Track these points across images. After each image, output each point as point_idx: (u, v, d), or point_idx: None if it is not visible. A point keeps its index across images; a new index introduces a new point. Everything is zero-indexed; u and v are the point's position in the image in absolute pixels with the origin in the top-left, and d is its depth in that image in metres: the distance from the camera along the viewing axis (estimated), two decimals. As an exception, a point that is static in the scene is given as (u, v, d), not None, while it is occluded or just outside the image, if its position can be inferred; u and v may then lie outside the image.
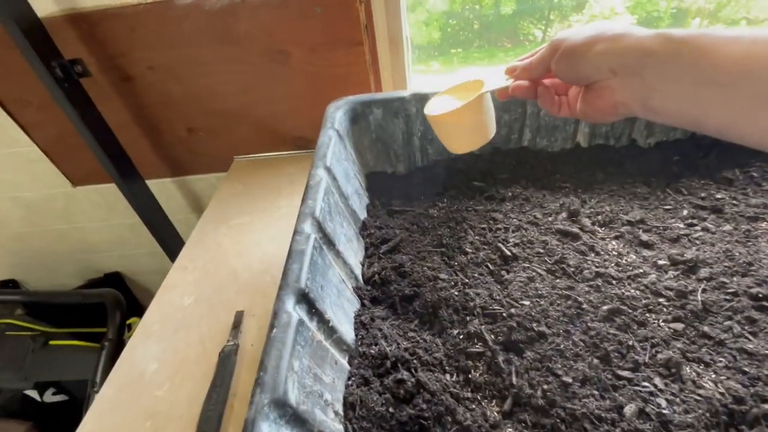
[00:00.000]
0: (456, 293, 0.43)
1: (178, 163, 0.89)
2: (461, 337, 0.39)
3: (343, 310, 0.41)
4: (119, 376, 0.49)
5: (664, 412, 0.31)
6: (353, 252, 0.48)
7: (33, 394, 0.97)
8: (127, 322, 0.92)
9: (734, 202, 0.50)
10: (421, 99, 0.57)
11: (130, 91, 0.76)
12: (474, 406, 0.35)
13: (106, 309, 0.89)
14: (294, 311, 0.31)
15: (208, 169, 0.90)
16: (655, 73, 0.28)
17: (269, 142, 0.84)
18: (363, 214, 0.55)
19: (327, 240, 0.41)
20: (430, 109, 0.46)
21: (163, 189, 0.93)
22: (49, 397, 1.00)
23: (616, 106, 0.31)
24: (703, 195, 0.52)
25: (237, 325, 0.51)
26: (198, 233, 0.69)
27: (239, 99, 0.78)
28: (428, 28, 0.89)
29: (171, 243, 0.92)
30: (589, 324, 0.38)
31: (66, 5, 0.67)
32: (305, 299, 0.33)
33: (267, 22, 0.68)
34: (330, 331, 0.36)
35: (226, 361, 0.47)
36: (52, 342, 0.89)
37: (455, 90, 0.47)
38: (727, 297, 0.39)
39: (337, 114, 0.56)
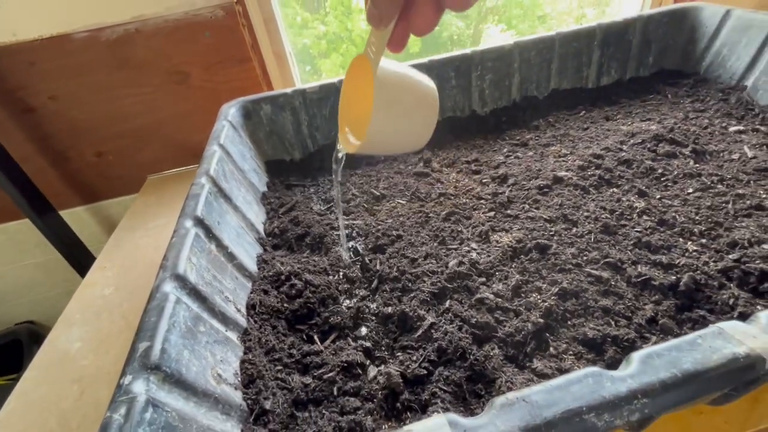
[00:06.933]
0: (338, 226, 0.54)
1: (90, 189, 0.92)
2: (341, 251, 0.50)
3: (244, 249, 0.50)
4: (41, 360, 0.52)
5: (474, 257, 0.44)
6: (254, 213, 0.58)
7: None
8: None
9: (537, 138, 0.68)
10: (302, 94, 0.70)
11: (32, 122, 0.80)
12: (350, 292, 0.45)
13: (22, 348, 0.87)
14: (191, 228, 0.40)
15: (121, 191, 0.94)
16: None
17: (179, 157, 0.91)
18: (263, 189, 0.65)
19: (223, 194, 0.50)
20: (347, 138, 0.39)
21: (76, 219, 0.95)
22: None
23: None
24: (518, 138, 0.70)
25: (157, 297, 0.57)
26: (114, 240, 0.74)
27: (145, 119, 0.85)
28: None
29: (89, 271, 0.92)
30: (432, 225, 0.52)
31: (-42, 46, 0.71)
32: (201, 224, 0.42)
33: (163, 47, 0.78)
34: (229, 256, 0.45)
35: (148, 322, 0.53)
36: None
37: (348, 81, 0.38)
38: (523, 192, 0.55)
39: (230, 110, 0.66)
